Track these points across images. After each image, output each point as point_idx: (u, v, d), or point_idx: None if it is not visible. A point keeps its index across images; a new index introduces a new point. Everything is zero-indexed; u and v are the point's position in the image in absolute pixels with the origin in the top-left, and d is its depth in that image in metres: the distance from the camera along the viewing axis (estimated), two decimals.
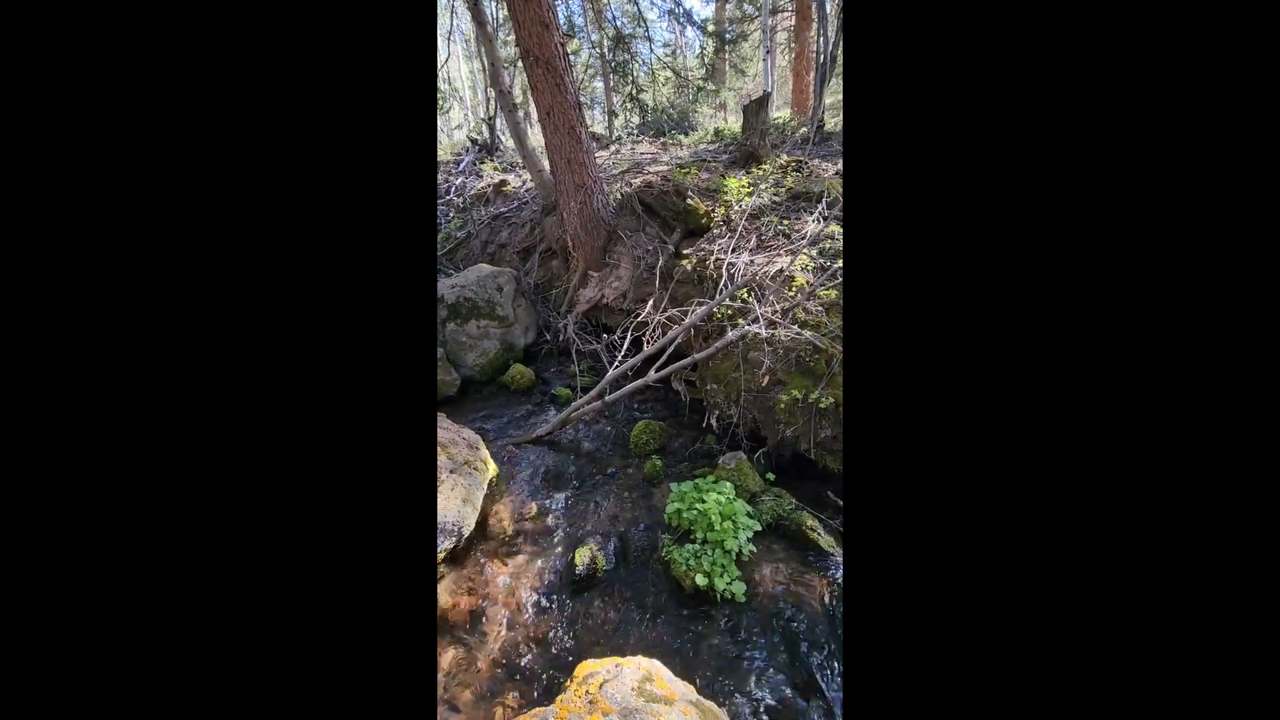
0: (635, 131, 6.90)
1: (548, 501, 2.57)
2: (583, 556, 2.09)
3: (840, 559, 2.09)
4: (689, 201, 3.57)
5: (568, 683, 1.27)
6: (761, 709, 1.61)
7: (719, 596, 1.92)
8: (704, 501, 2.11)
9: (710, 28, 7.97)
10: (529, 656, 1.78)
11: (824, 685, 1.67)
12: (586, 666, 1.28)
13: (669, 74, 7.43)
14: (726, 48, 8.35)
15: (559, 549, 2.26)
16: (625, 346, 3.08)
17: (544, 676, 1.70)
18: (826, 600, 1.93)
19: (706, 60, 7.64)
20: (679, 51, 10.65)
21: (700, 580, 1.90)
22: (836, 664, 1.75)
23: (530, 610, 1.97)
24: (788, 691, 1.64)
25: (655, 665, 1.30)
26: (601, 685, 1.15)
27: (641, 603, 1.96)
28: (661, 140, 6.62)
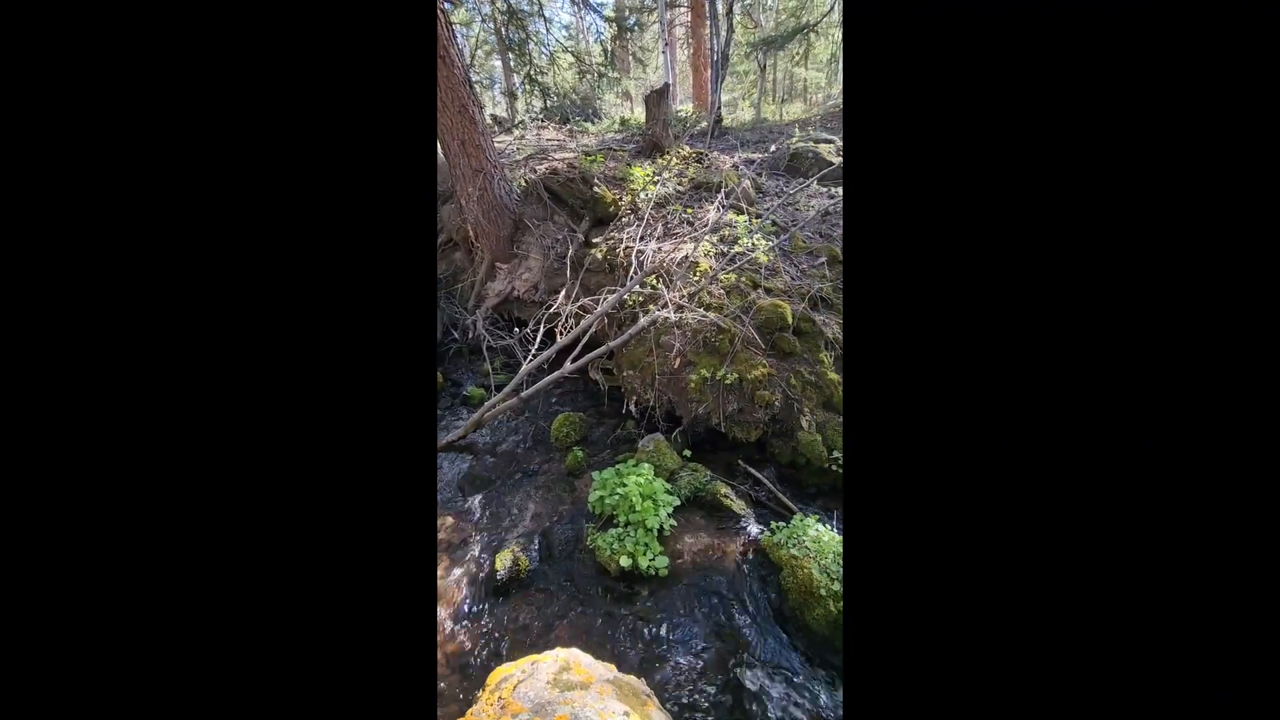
0: (539, 116, 6.61)
1: (465, 509, 2.41)
2: (504, 560, 2.00)
3: (750, 518, 2.26)
4: (596, 190, 3.53)
5: (479, 693, 1.20)
6: (685, 668, 1.70)
7: (644, 574, 1.96)
8: (625, 485, 2.15)
9: (609, 14, 7.87)
10: (445, 679, 1.66)
11: (745, 634, 1.81)
12: (500, 672, 1.23)
13: (570, 58, 7.21)
14: (628, 36, 8.33)
15: (480, 557, 2.13)
16: (539, 339, 2.97)
17: (460, 695, 1.60)
18: (739, 557, 2.08)
19: (605, 46, 7.56)
20: (580, 35, 10.37)
21: (625, 562, 1.93)
22: (749, 612, 1.90)
23: (449, 627, 1.83)
24: (711, 648, 1.74)
25: (573, 654, 1.30)
26: (515, 687, 1.12)
27: (569, 595, 1.94)
28: (568, 127, 6.43)
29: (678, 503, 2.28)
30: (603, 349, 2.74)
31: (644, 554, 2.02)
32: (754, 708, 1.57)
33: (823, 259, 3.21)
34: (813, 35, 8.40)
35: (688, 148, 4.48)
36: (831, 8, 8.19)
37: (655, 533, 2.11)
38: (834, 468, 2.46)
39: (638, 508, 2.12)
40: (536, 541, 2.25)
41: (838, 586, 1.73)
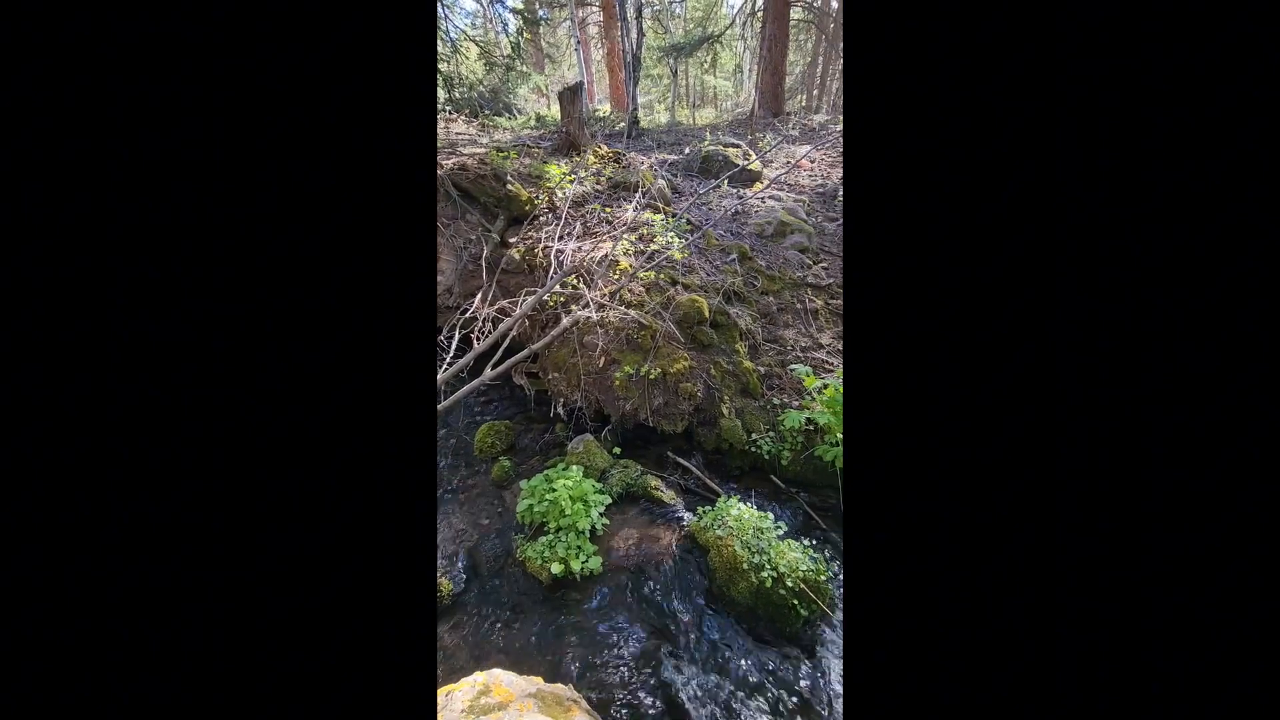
0: (446, 109, 6.15)
1: None
2: None
3: (681, 506, 2.32)
4: (510, 187, 3.38)
5: None
6: (621, 664, 1.69)
7: (578, 577, 1.92)
8: (554, 490, 2.09)
9: (516, 5, 7.57)
10: None
11: (679, 618, 1.84)
12: None
13: (476, 48, 6.81)
14: (538, 30, 8.08)
15: None
16: (454, 346, 2.77)
17: None
18: (672, 546, 2.13)
19: (511, 39, 7.28)
20: (487, 25, 9.85)
21: (556, 569, 1.88)
22: (680, 597, 1.95)
23: None
24: (645, 640, 1.76)
25: (493, 675, 1.23)
26: None
27: (498, 613, 1.84)
28: (478, 121, 6.07)
29: (609, 501, 2.27)
30: (525, 353, 2.63)
31: (576, 557, 1.98)
32: (683, 693, 1.61)
33: (733, 256, 3.41)
34: (718, 46, 8.87)
35: (605, 147, 4.47)
36: (732, 21, 8.70)
37: (587, 534, 2.08)
38: (752, 449, 2.62)
39: (568, 511, 2.08)
40: (461, 562, 2.11)
41: (758, 559, 1.85)
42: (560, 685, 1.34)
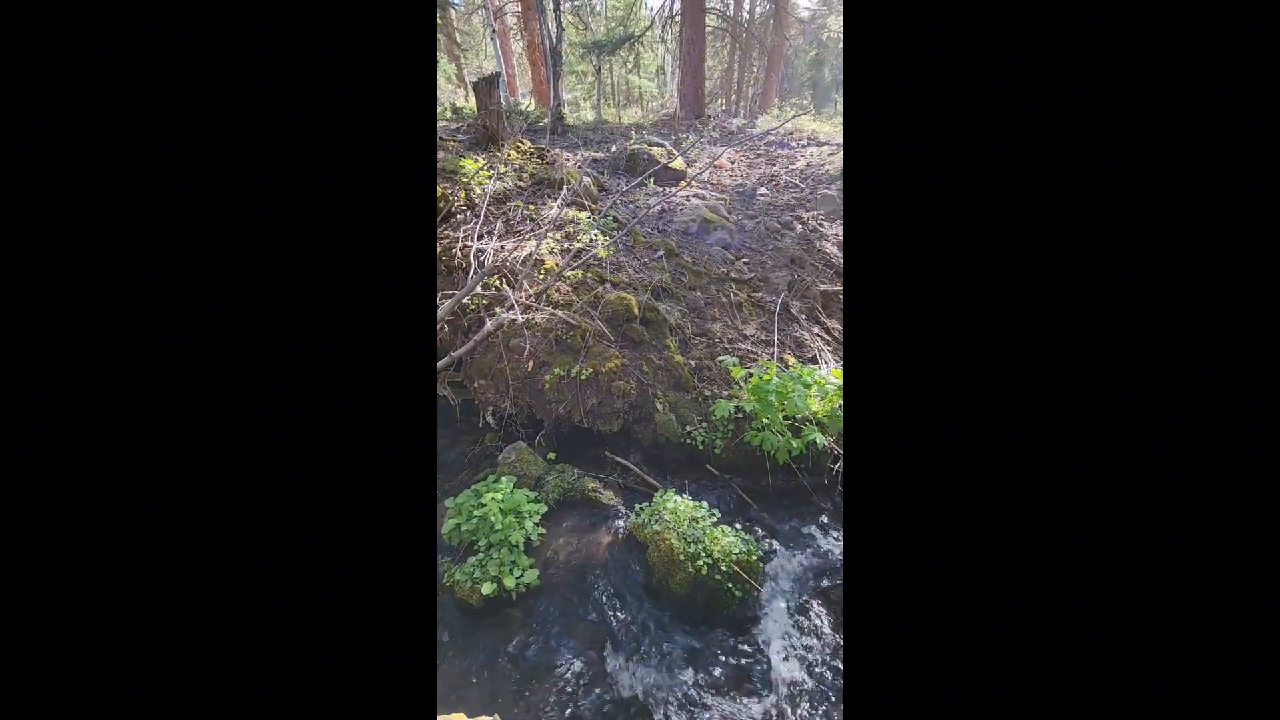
0: None
1: None
2: None
3: (620, 505, 2.28)
4: None
5: None
6: (561, 677, 1.62)
7: (514, 594, 1.80)
8: (483, 505, 1.94)
9: None
10: None
11: (620, 619, 1.80)
12: None
13: None
14: (449, 17, 7.54)
15: None
16: None
17: None
18: (611, 547, 2.08)
19: None
20: None
21: (488, 589, 1.75)
22: (621, 597, 1.91)
23: None
24: (589, 650, 1.70)
25: None
26: None
27: None
28: None
29: (545, 509, 2.17)
30: (446, 360, 2.42)
31: (510, 574, 1.87)
32: (630, 696, 1.58)
33: (660, 252, 3.44)
34: (640, 47, 8.92)
35: (528, 142, 4.28)
36: (652, 23, 8.80)
37: (521, 548, 1.97)
38: (687, 441, 2.66)
39: (498, 526, 1.95)
40: None
41: (693, 549, 1.87)
42: (485, 718, 1.24)
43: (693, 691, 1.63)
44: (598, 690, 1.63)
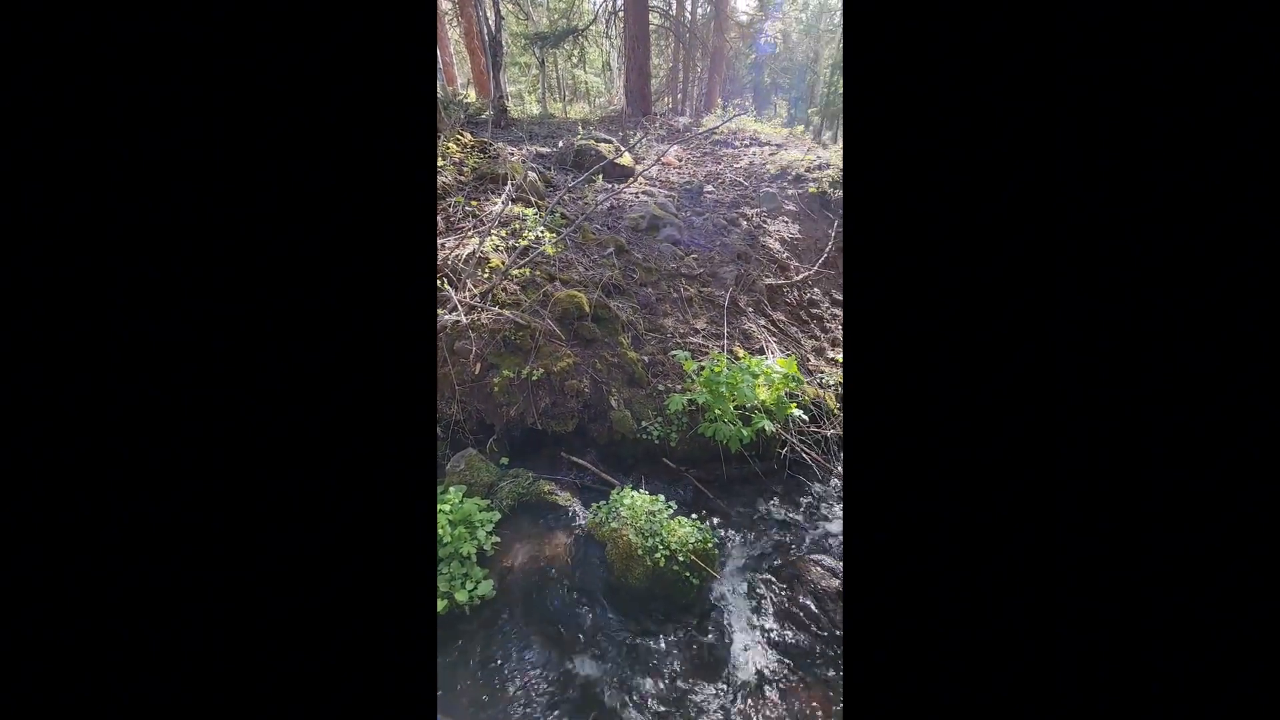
0: None
1: None
2: None
3: (578, 505, 2.24)
4: None
5: None
6: (521, 688, 1.56)
7: (467, 608, 1.71)
8: None
9: None
10: None
11: (580, 629, 1.77)
12: None
13: None
14: None
15: None
16: None
17: None
18: (572, 547, 2.04)
19: None
20: None
21: (439, 606, 1.63)
22: (579, 600, 1.88)
23: None
24: (551, 657, 1.65)
25: None
26: None
27: None
28: None
29: (499, 516, 2.09)
30: None
31: (462, 587, 1.78)
32: (596, 697, 1.57)
33: (610, 249, 3.41)
34: (584, 41, 8.77)
35: (469, 135, 4.05)
36: (595, 17, 8.68)
37: (474, 559, 1.87)
38: (643, 436, 2.66)
39: (447, 539, 1.85)
40: None
41: (650, 542, 1.87)
42: None
43: (654, 683, 1.65)
44: (559, 693, 1.60)
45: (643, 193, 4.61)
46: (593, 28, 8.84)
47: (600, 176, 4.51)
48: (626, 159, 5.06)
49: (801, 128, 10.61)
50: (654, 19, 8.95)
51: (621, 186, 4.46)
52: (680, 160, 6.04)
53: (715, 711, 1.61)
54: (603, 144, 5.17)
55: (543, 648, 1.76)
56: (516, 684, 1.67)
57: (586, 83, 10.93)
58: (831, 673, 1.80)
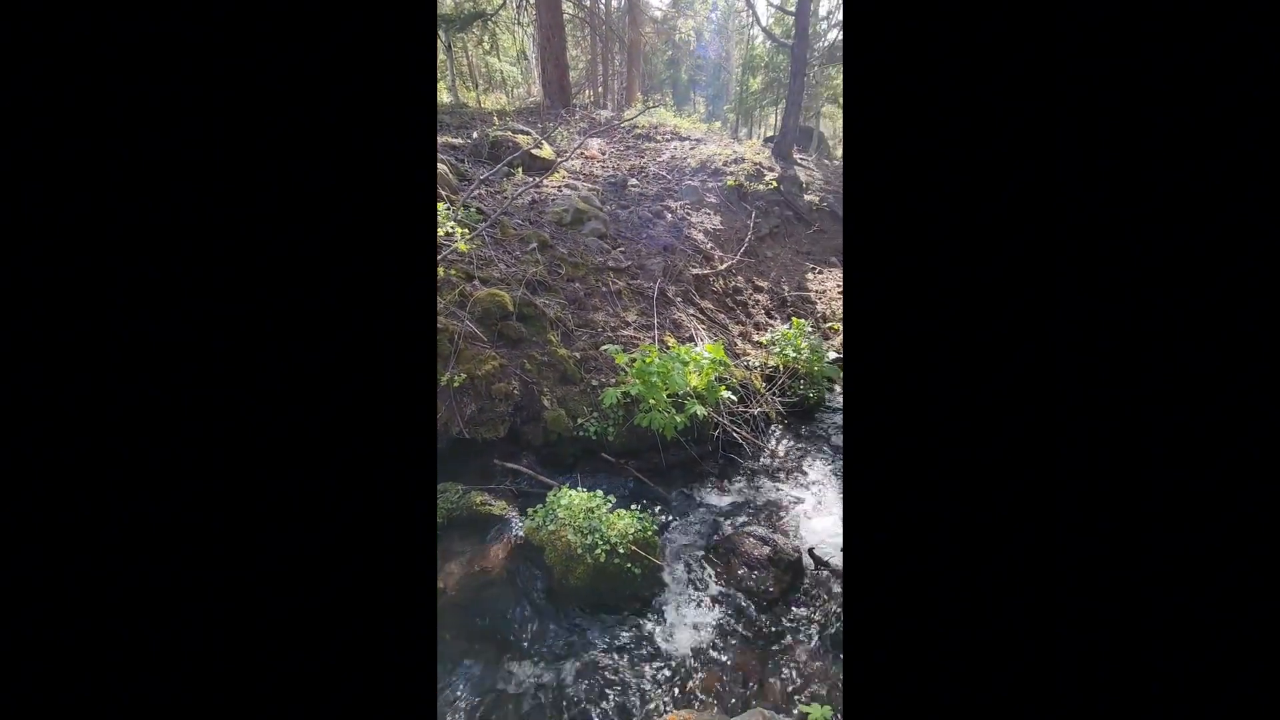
0: None
1: None
2: None
3: (514, 512, 2.13)
4: None
5: None
6: (460, 704, 1.45)
7: None
8: None
9: None
10: None
11: (521, 640, 1.69)
12: None
13: None
14: None
15: None
16: None
17: None
18: (510, 558, 1.93)
19: None
20: None
21: None
22: (518, 610, 1.80)
23: None
24: (490, 674, 1.57)
25: None
26: None
27: None
28: None
29: None
30: None
31: None
32: (539, 706, 1.50)
33: (533, 245, 3.27)
34: (497, 28, 8.26)
35: None
36: (504, 2, 8.21)
37: None
38: (580, 433, 2.61)
39: None
40: None
41: (590, 539, 1.84)
42: None
43: (595, 678, 1.63)
44: (496, 703, 1.52)
45: (565, 186, 4.49)
46: (503, 13, 8.36)
47: (520, 170, 4.29)
48: (547, 151, 4.88)
49: (719, 124, 11.04)
50: (568, 8, 8.69)
51: (541, 178, 4.29)
52: (604, 154, 5.97)
53: (658, 693, 1.64)
54: (520, 135, 4.93)
55: (482, 663, 1.66)
56: (455, 703, 1.55)
57: (502, 72, 10.34)
58: (767, 635, 1.91)
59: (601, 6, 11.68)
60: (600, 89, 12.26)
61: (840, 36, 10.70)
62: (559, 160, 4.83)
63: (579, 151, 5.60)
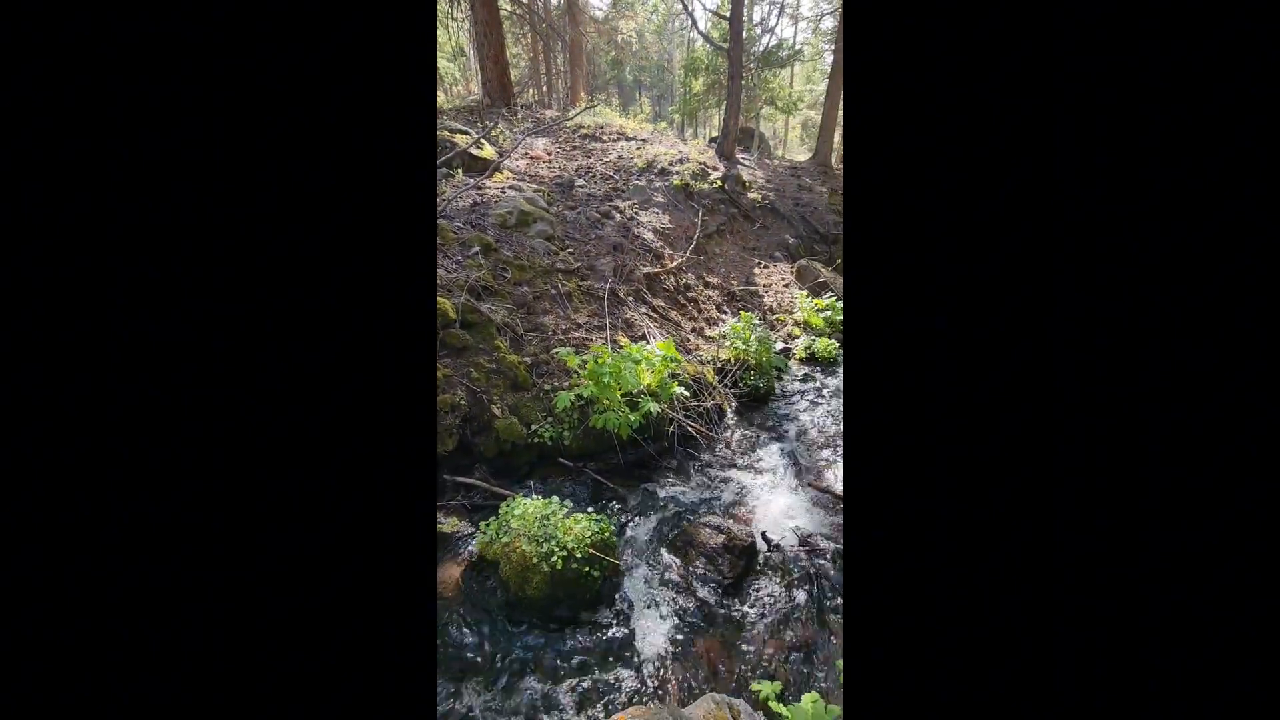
0: None
1: None
2: None
3: (467, 529, 2.03)
4: None
5: None
6: None
7: None
8: None
9: None
10: None
11: (478, 659, 1.63)
12: None
13: None
14: None
15: None
16: None
17: None
18: (464, 576, 1.84)
19: None
20: None
21: None
22: (473, 629, 1.72)
23: None
24: (445, 698, 1.47)
25: None
26: None
27: None
28: None
29: None
30: None
31: None
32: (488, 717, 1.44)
33: (475, 248, 3.14)
34: None
35: None
36: None
37: None
38: (535, 440, 2.54)
39: None
40: None
41: (546, 547, 1.79)
42: None
43: (561, 688, 1.59)
44: None
45: (510, 187, 4.35)
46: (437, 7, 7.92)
47: (459, 171, 4.10)
48: (488, 151, 4.70)
49: (665, 124, 11.17)
50: (504, 5, 8.40)
51: (482, 179, 4.12)
52: (550, 154, 5.84)
53: (616, 694, 1.63)
54: (459, 135, 4.72)
55: (441, 691, 1.57)
56: None
57: (441, 69, 9.83)
58: (723, 621, 1.96)
59: (540, 4, 11.41)
60: (545, 88, 11.99)
61: (773, 42, 11.16)
62: (499, 160, 4.66)
63: (523, 151, 5.44)
